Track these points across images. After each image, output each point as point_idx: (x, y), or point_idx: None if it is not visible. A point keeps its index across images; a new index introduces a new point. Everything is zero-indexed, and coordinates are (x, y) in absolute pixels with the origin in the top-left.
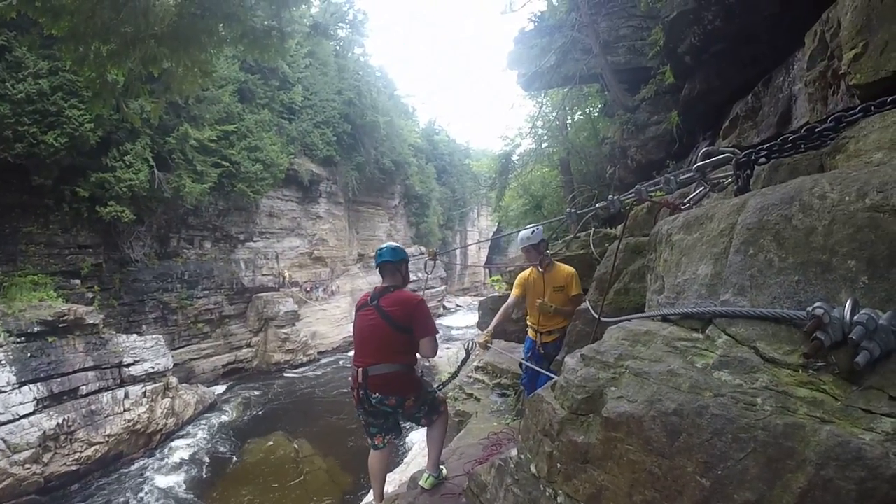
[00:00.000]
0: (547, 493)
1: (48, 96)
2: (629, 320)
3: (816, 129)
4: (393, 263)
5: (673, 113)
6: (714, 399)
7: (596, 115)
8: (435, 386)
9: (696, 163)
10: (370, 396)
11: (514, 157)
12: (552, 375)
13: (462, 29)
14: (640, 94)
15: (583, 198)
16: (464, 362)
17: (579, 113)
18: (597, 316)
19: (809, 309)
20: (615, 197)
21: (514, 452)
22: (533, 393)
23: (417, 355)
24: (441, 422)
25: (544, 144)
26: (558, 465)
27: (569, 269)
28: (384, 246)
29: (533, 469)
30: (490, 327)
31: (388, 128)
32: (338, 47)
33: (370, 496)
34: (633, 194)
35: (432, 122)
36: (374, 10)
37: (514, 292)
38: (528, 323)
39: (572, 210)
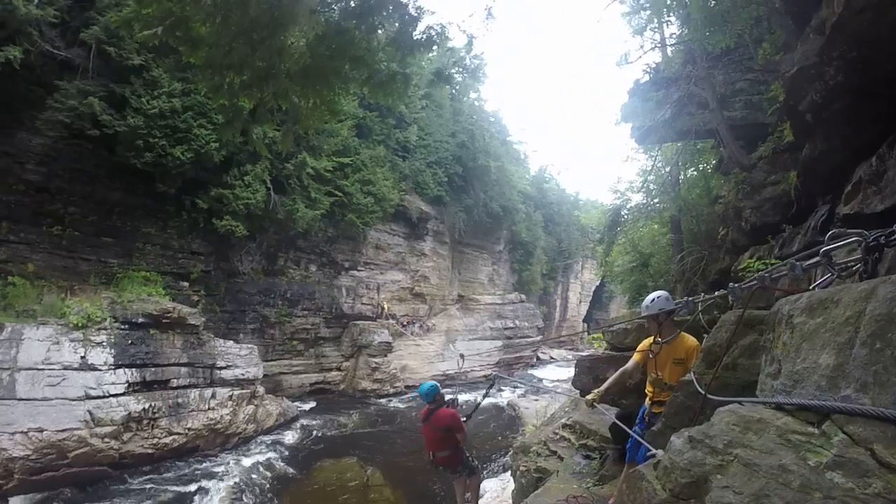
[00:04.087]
0: None
1: (179, 114)
2: (741, 403)
3: None
4: (433, 401)
5: (791, 173)
6: (823, 501)
7: (710, 171)
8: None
9: (814, 228)
10: (437, 466)
11: (624, 212)
12: (650, 448)
13: (578, 79)
14: (757, 152)
15: (692, 259)
16: (485, 396)
17: (692, 169)
18: (702, 391)
19: None
20: (736, 285)
21: None
22: (633, 469)
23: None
24: (478, 479)
25: (655, 200)
26: None
27: (692, 341)
28: (425, 386)
29: None
30: (602, 388)
31: (498, 172)
32: (454, 91)
33: None
34: (755, 282)
35: (543, 170)
36: (492, 57)
37: (635, 357)
38: (646, 390)
39: (690, 300)
